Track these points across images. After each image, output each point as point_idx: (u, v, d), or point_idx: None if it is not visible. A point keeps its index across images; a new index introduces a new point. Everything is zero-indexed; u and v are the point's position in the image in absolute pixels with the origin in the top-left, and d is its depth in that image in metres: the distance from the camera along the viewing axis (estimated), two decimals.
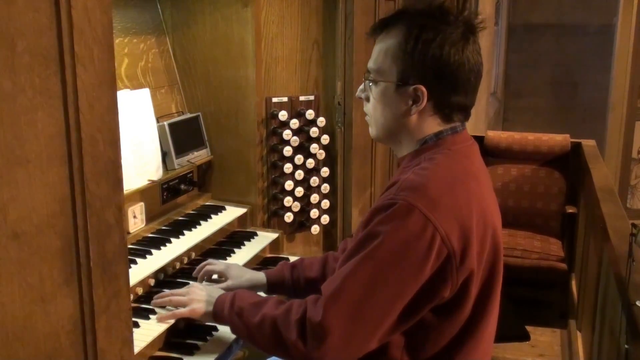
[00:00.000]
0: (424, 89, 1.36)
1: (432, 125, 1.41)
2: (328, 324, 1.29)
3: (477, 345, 1.40)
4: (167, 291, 1.69)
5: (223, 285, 1.74)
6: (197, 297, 1.58)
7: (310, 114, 2.44)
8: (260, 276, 1.77)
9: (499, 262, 1.40)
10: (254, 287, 1.75)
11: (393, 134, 1.45)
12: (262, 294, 1.73)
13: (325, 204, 2.57)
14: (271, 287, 1.77)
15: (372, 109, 1.46)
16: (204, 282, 1.81)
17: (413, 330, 1.35)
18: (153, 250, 1.90)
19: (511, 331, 2.98)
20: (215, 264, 1.84)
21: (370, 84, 1.45)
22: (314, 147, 2.46)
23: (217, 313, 1.53)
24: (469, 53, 1.36)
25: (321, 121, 2.47)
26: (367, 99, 1.47)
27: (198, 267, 1.85)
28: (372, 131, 1.49)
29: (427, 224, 1.25)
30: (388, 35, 1.41)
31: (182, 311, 1.59)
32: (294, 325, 1.34)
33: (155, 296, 1.69)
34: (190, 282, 1.79)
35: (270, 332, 1.39)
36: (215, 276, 1.84)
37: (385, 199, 1.32)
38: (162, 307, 1.67)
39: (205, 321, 1.61)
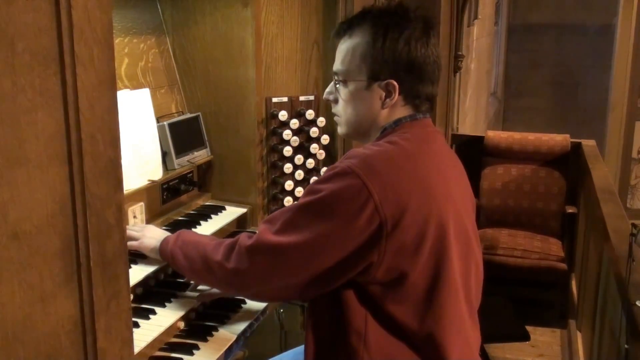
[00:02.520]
0: (395, 83, 1.45)
1: (401, 115, 1.49)
2: (254, 253, 1.41)
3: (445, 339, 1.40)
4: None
5: None
6: (150, 234, 1.75)
7: (310, 114, 2.44)
8: None
9: (447, 244, 1.39)
10: None
11: (364, 128, 1.53)
12: None
13: None
14: None
15: (342, 110, 1.54)
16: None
17: (371, 305, 1.39)
18: None
19: (511, 331, 2.97)
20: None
21: (339, 85, 1.53)
22: (314, 147, 2.46)
23: (162, 247, 1.68)
24: (432, 46, 1.47)
25: (321, 121, 2.47)
26: (336, 101, 1.56)
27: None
28: (342, 130, 1.58)
29: (363, 188, 1.32)
30: (352, 37, 1.49)
31: (132, 243, 1.72)
32: (222, 250, 1.49)
33: None
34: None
35: (201, 258, 1.54)
36: None
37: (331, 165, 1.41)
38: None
39: (151, 256, 1.74)
